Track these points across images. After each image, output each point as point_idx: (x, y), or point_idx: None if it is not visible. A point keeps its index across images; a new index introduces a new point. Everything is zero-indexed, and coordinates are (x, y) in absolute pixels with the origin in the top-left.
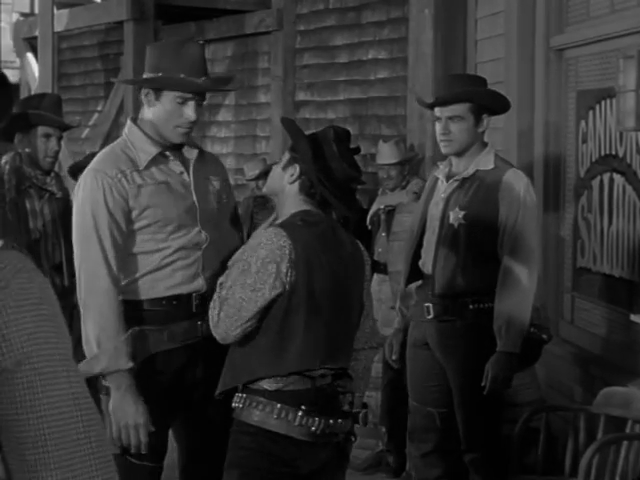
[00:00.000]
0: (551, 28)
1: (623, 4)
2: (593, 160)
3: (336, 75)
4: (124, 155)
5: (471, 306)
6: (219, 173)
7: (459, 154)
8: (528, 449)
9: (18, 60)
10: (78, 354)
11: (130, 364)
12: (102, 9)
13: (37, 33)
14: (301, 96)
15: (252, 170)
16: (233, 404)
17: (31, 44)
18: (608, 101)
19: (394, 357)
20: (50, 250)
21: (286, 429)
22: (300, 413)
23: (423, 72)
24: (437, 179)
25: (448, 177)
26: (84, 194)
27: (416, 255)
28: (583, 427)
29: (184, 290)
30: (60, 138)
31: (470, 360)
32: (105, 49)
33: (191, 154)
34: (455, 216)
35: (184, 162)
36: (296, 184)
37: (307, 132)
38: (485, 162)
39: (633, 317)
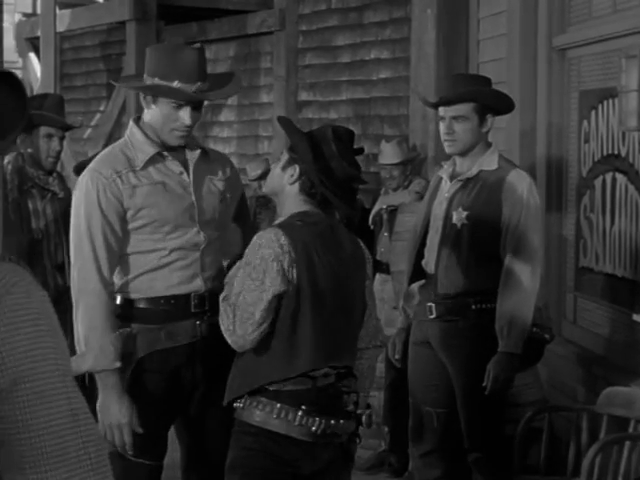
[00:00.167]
0: (553, 28)
1: (625, 4)
2: (595, 160)
3: (338, 75)
4: (123, 155)
5: (474, 306)
6: (224, 172)
7: (463, 154)
8: (531, 449)
9: (20, 60)
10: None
11: (117, 364)
12: (104, 9)
13: (39, 33)
14: (303, 96)
15: (254, 170)
16: (234, 404)
17: (33, 44)
18: (610, 101)
19: (397, 357)
20: (52, 250)
21: (286, 429)
22: (300, 413)
23: (425, 72)
24: (441, 179)
25: (452, 177)
26: (80, 194)
27: (419, 255)
28: (586, 427)
29: (182, 290)
30: (62, 138)
31: (473, 360)
32: (107, 49)
33: (193, 154)
34: (458, 216)
35: (184, 162)
36: (296, 184)
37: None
38: (489, 162)
39: (635, 317)
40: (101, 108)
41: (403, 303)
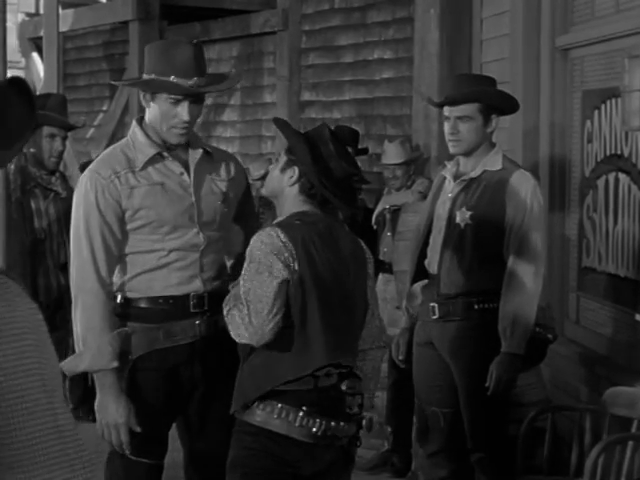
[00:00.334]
0: (556, 28)
1: (628, 4)
2: (598, 160)
3: (341, 75)
4: (123, 156)
5: (476, 306)
6: (228, 172)
7: (467, 154)
8: (534, 449)
9: (23, 60)
10: None
11: (114, 364)
12: (107, 9)
13: (42, 33)
14: (306, 96)
15: (257, 170)
16: None
17: (36, 44)
18: (613, 101)
19: (401, 357)
20: (55, 249)
21: (287, 429)
22: (301, 414)
23: (428, 72)
24: (444, 178)
25: (455, 177)
26: (79, 195)
27: (422, 254)
28: (589, 427)
29: (181, 291)
30: (65, 138)
31: (476, 360)
32: (110, 49)
33: (194, 154)
34: (462, 216)
35: (186, 163)
36: (296, 186)
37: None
38: (493, 162)
39: (638, 317)
40: (104, 108)
41: (406, 303)
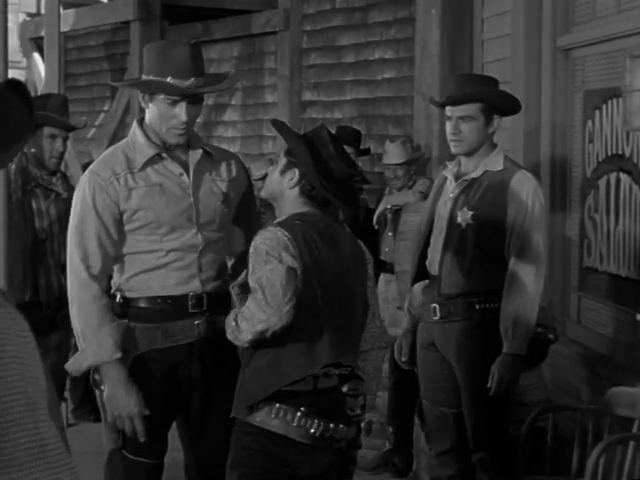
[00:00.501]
0: (558, 28)
1: (629, 4)
2: (600, 160)
3: (343, 75)
4: (123, 156)
5: (477, 306)
6: (229, 172)
7: (468, 154)
8: (535, 449)
9: (24, 60)
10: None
11: (117, 354)
12: (108, 9)
13: (43, 33)
14: (308, 96)
15: (259, 170)
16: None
17: (37, 44)
18: (615, 101)
19: (404, 359)
20: (56, 249)
21: (285, 429)
22: (299, 414)
23: (430, 72)
24: (445, 179)
25: (457, 177)
26: (78, 194)
27: (423, 255)
28: (590, 427)
29: (179, 291)
30: (66, 139)
31: (477, 361)
32: (111, 49)
33: (194, 155)
34: (463, 216)
35: (185, 163)
36: (296, 188)
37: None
38: (494, 163)
39: (639, 317)
40: (105, 108)
41: (408, 304)
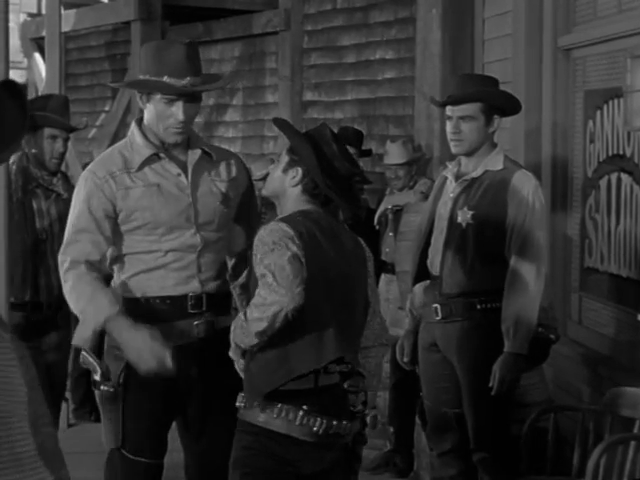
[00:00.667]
0: (559, 28)
1: (630, 4)
2: (601, 160)
3: (344, 75)
4: (120, 156)
5: (479, 306)
6: (229, 172)
7: (469, 154)
8: (536, 449)
9: (25, 60)
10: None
11: (115, 308)
12: (109, 9)
13: (44, 33)
14: (309, 96)
15: (259, 170)
16: (237, 404)
17: (38, 44)
18: (616, 101)
19: (406, 359)
20: (57, 250)
21: (287, 429)
22: (301, 413)
23: (431, 72)
24: (446, 179)
25: (457, 177)
26: (76, 192)
27: (424, 255)
28: (591, 427)
29: (178, 292)
30: (66, 140)
31: (479, 360)
32: (112, 49)
33: (193, 155)
34: (463, 216)
35: (184, 163)
36: (299, 186)
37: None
38: (494, 163)
39: None
40: (106, 108)
41: (409, 304)
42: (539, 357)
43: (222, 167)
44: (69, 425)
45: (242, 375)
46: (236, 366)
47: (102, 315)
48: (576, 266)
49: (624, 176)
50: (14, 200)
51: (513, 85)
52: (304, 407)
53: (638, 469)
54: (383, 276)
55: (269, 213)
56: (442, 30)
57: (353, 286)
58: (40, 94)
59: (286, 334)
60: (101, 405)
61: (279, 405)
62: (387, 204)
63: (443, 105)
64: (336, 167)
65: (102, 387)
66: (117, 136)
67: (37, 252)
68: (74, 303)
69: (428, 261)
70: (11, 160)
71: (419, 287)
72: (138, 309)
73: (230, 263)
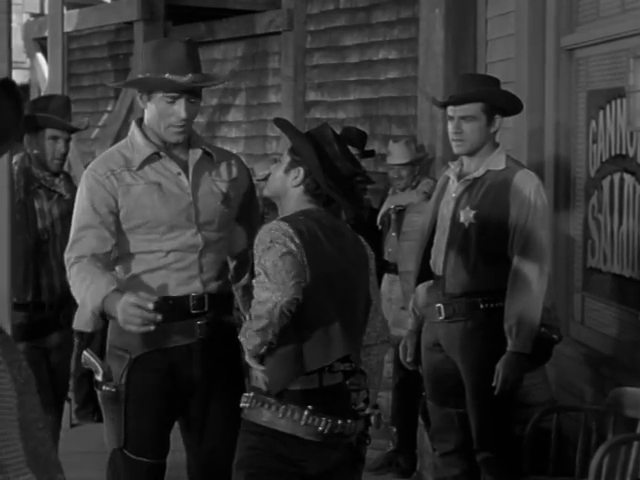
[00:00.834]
0: (561, 28)
1: (633, 4)
2: (603, 160)
3: (347, 75)
4: (121, 156)
5: (482, 306)
6: (230, 173)
7: (470, 154)
8: (539, 450)
9: (28, 60)
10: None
11: (112, 286)
12: (112, 9)
13: (47, 33)
14: (312, 96)
15: (262, 170)
16: (241, 404)
17: (41, 44)
18: (618, 101)
19: (409, 359)
20: (59, 250)
21: (292, 428)
22: (306, 412)
23: (433, 72)
24: (448, 179)
25: (459, 177)
26: (78, 192)
27: (426, 255)
28: (594, 427)
29: (180, 292)
30: (68, 140)
31: (482, 360)
32: (115, 49)
33: (194, 155)
34: (466, 216)
35: (184, 163)
36: (301, 186)
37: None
38: (496, 162)
39: None
40: (109, 108)
41: (412, 305)
42: (542, 357)
43: (223, 167)
44: (72, 425)
45: (260, 381)
46: (255, 373)
47: (100, 296)
48: (579, 266)
49: (627, 176)
50: (16, 201)
51: (516, 85)
52: (309, 407)
53: None
54: (386, 276)
55: (271, 213)
56: (445, 30)
57: (355, 284)
58: (43, 94)
59: (293, 332)
60: (103, 405)
61: (284, 405)
62: (390, 204)
63: (444, 105)
64: (338, 167)
65: (104, 387)
66: (120, 136)
67: (39, 252)
68: (75, 291)
69: (431, 261)
70: (13, 161)
71: (422, 287)
72: None
73: (232, 264)
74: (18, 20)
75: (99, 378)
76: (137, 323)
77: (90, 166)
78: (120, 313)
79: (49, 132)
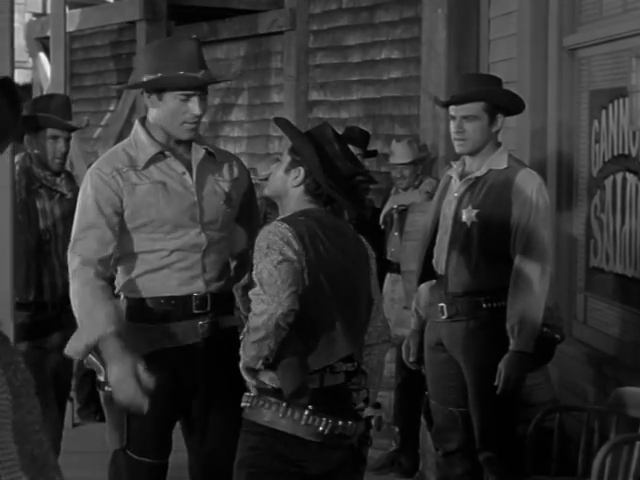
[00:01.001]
0: (564, 28)
1: (636, 4)
2: (606, 160)
3: (349, 75)
4: (125, 155)
5: (484, 305)
6: (231, 173)
7: (473, 153)
8: (541, 449)
9: (31, 60)
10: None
11: (110, 328)
12: (114, 9)
13: (49, 33)
14: (314, 96)
15: (265, 170)
16: (242, 404)
17: (43, 44)
18: (621, 100)
19: (411, 359)
20: (60, 250)
21: (292, 428)
22: (307, 412)
23: (436, 72)
24: (450, 178)
25: (461, 176)
26: (82, 190)
27: (429, 254)
28: (596, 427)
29: (183, 292)
30: (68, 139)
31: (484, 359)
32: (117, 49)
33: (197, 155)
34: (468, 215)
35: (188, 162)
36: (301, 186)
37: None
38: (498, 161)
39: None
40: (111, 108)
41: (415, 304)
42: (544, 357)
43: (225, 167)
44: (74, 425)
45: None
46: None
47: (96, 332)
48: (581, 266)
49: (629, 176)
50: (17, 201)
51: (518, 85)
52: (310, 407)
53: None
54: (388, 276)
55: (273, 213)
56: (447, 30)
57: (356, 284)
58: (42, 94)
59: (297, 334)
60: (105, 406)
61: (285, 404)
62: (392, 204)
63: (446, 105)
64: (338, 167)
65: (106, 388)
66: (122, 135)
67: (41, 252)
68: (75, 307)
69: (433, 260)
70: (15, 160)
71: (425, 286)
72: (142, 310)
73: (232, 265)
74: (20, 20)
75: (102, 378)
76: (126, 398)
77: (95, 165)
78: (115, 379)
79: (49, 132)
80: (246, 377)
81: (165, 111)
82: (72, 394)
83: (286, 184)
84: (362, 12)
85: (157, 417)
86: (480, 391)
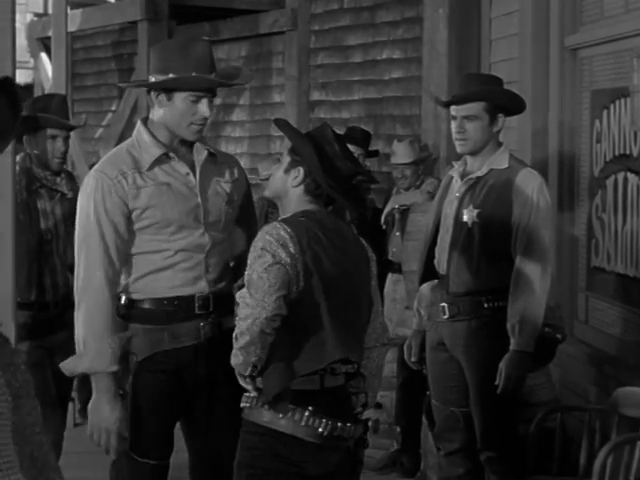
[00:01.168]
0: (565, 28)
1: (637, 4)
2: (607, 160)
3: (351, 75)
4: (129, 156)
5: (486, 305)
6: (232, 174)
7: (474, 153)
8: (543, 449)
9: (32, 60)
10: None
11: (113, 367)
12: (116, 9)
13: (51, 33)
14: (316, 96)
15: (266, 169)
16: (242, 404)
17: (45, 44)
18: (622, 100)
19: (413, 359)
20: (62, 250)
21: (292, 429)
22: (307, 413)
23: (437, 72)
24: (452, 178)
25: (462, 176)
26: (84, 195)
27: (430, 254)
28: (598, 427)
29: (186, 292)
30: (67, 138)
31: (486, 359)
32: (119, 49)
33: (200, 155)
34: (469, 214)
35: (191, 163)
36: (301, 186)
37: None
38: (499, 161)
39: None
40: (112, 108)
41: (417, 304)
42: (546, 357)
43: (226, 169)
44: (75, 424)
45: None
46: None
47: (97, 367)
48: (583, 266)
49: (630, 176)
50: (18, 201)
51: (520, 85)
52: (310, 408)
53: None
54: (390, 276)
55: (275, 213)
56: (449, 30)
57: (357, 286)
58: (41, 95)
59: (288, 338)
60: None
61: (284, 404)
62: (394, 204)
63: (447, 105)
64: (338, 167)
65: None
66: (124, 136)
67: (42, 252)
68: (82, 327)
69: (435, 260)
70: (15, 161)
71: (426, 286)
72: (145, 311)
73: (231, 265)
74: (22, 20)
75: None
76: (98, 441)
77: (98, 167)
78: (95, 420)
79: (48, 132)
80: (242, 384)
81: (173, 111)
82: (73, 394)
83: (286, 184)
84: (363, 12)
85: (161, 419)
86: (482, 391)
